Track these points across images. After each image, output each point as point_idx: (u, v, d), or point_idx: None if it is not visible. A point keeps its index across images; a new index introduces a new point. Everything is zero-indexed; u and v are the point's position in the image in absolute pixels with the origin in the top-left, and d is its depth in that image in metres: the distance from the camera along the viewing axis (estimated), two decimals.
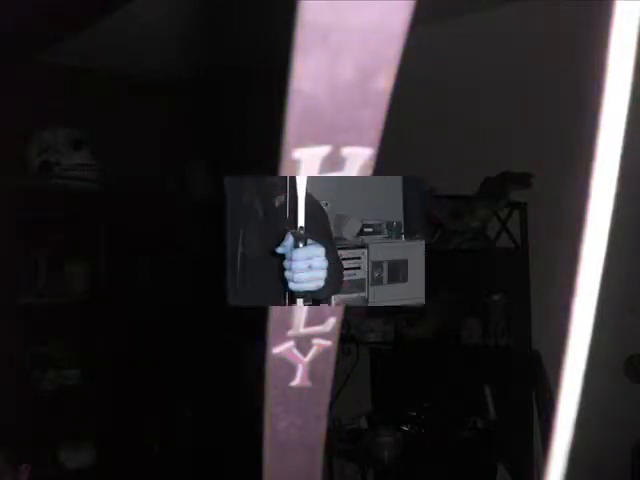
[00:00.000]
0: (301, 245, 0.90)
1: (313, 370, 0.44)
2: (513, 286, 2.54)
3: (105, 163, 3.09)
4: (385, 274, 2.68)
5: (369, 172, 0.33)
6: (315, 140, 0.33)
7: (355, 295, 2.52)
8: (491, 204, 2.50)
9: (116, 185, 3.06)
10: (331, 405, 2.83)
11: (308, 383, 0.44)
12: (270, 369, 0.43)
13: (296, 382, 0.44)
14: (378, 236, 2.36)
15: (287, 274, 0.92)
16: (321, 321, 0.43)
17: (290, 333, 0.44)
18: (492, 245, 2.60)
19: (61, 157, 2.90)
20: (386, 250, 2.68)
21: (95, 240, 3.07)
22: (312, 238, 0.94)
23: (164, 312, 3.26)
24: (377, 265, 2.65)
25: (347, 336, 2.78)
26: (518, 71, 2.68)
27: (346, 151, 0.32)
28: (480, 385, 2.60)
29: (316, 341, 0.44)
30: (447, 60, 2.85)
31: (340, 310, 0.43)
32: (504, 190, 2.48)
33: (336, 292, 1.19)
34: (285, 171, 0.34)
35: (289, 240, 0.92)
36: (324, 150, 0.33)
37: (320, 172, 0.32)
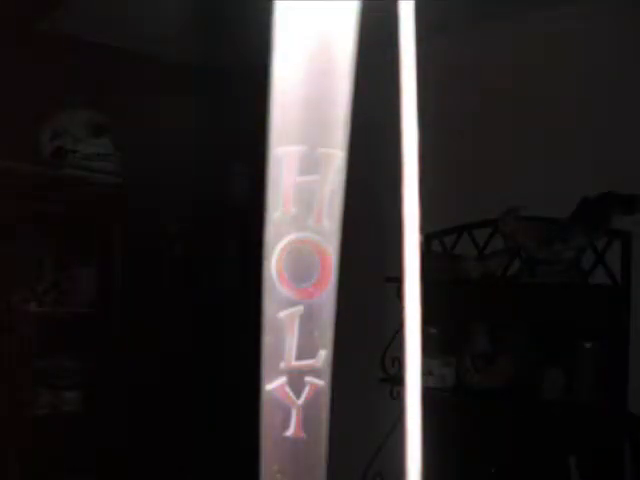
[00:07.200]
0: None
1: (307, 416, 0.43)
2: (609, 332, 2.32)
3: (127, 154, 2.94)
4: None
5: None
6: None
7: None
8: (589, 231, 2.30)
9: (138, 180, 2.91)
10: (374, 457, 2.71)
11: (303, 434, 0.43)
12: (263, 412, 0.42)
13: (290, 432, 0.43)
14: None
15: None
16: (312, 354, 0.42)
17: (282, 366, 0.43)
18: (585, 281, 2.40)
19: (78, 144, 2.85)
20: None
21: (108, 242, 2.89)
22: None
23: (188, 333, 3.04)
24: None
25: (397, 378, 2.64)
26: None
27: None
28: (562, 453, 2.35)
29: (309, 379, 0.43)
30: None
31: (330, 342, 0.42)
32: (606, 215, 2.34)
33: None
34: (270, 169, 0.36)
35: None
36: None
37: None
